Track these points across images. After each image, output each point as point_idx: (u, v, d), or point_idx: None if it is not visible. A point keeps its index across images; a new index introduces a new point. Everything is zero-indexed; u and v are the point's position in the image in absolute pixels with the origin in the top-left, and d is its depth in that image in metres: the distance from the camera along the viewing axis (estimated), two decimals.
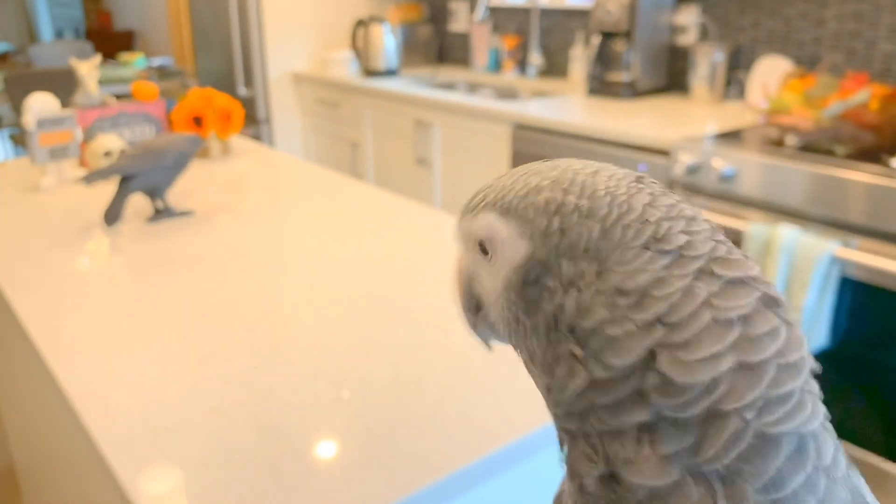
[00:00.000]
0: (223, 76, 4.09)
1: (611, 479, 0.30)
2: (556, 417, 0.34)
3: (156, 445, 0.83)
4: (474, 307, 0.42)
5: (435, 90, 3.28)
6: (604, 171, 0.34)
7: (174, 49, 6.74)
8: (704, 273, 0.29)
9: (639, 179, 0.34)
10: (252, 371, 0.98)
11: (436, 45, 4.05)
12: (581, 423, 0.31)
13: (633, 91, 2.86)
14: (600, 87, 2.94)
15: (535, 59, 3.42)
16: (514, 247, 0.34)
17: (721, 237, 0.32)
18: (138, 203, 1.65)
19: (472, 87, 3.56)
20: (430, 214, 1.64)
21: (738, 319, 0.29)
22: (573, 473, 0.32)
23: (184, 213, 1.60)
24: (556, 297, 0.31)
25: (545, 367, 0.33)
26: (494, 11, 3.66)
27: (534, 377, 0.36)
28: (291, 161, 2.23)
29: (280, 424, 0.87)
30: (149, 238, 1.49)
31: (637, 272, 0.29)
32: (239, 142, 2.30)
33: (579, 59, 3.25)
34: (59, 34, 9.33)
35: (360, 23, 3.64)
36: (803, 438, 0.29)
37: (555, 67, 3.47)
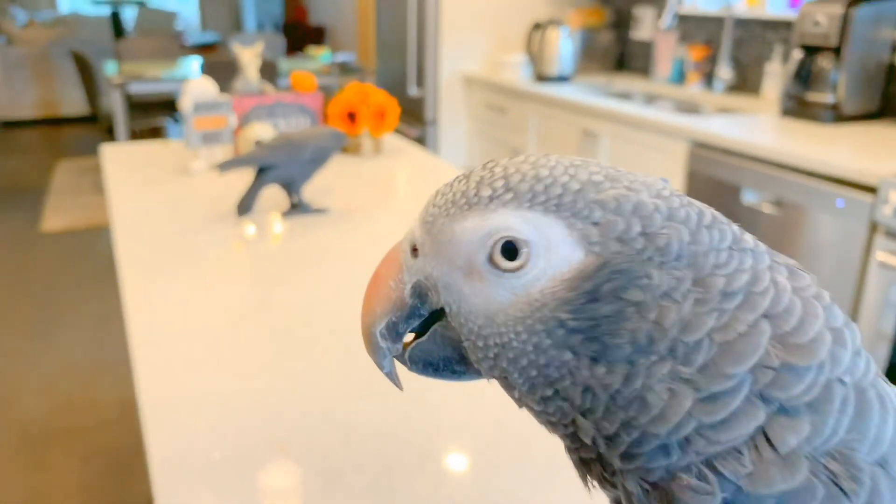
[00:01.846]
0: (398, 75, 4.11)
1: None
2: (623, 459, 0.28)
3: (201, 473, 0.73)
4: (404, 332, 0.34)
5: (607, 99, 3.06)
6: (629, 173, 0.30)
7: (359, 46, 6.96)
8: (774, 264, 0.29)
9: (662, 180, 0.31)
10: (349, 402, 0.86)
11: (615, 52, 3.81)
12: (681, 453, 0.26)
13: (836, 115, 2.49)
14: (797, 107, 2.59)
15: (724, 72, 3.10)
16: (568, 255, 0.27)
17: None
18: (276, 196, 1.60)
19: (650, 99, 3.30)
20: None
21: (814, 296, 0.29)
22: None
23: (319, 211, 1.53)
24: (649, 313, 0.26)
25: (615, 404, 0.27)
26: (683, 19, 3.36)
27: (556, 419, 0.29)
28: (443, 166, 2.12)
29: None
30: (275, 232, 1.43)
31: (737, 273, 0.27)
32: (393, 141, 2.23)
33: (775, 76, 2.90)
34: (260, 27, 10.01)
35: (537, 26, 3.49)
36: (878, 386, 0.28)
37: (745, 83, 3.13)
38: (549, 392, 0.28)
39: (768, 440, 0.25)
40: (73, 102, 7.87)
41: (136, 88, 4.82)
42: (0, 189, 5.44)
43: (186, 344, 0.99)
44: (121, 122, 5.04)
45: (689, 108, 3.09)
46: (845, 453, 0.26)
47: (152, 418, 0.81)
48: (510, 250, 0.28)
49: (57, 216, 4.69)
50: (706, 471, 0.26)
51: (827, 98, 2.50)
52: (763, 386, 0.26)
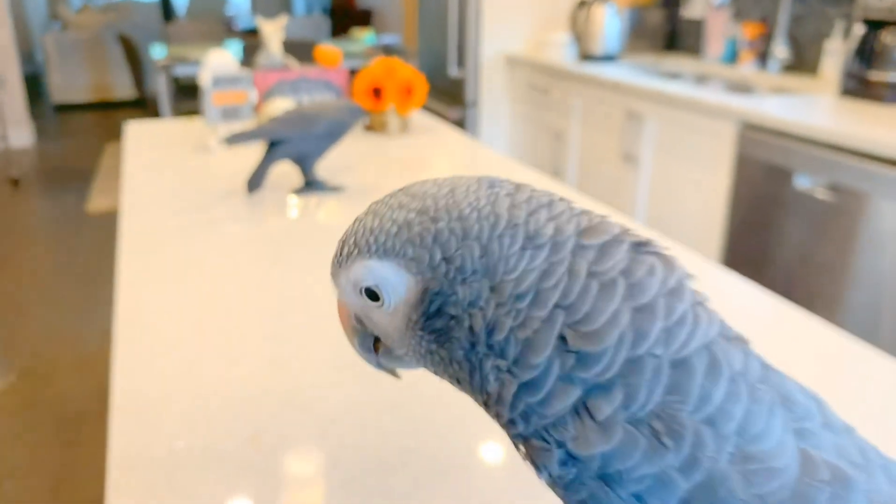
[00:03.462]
0: (439, 56, 4.01)
1: (569, 458, 0.30)
2: (505, 427, 0.33)
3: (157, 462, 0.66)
4: (371, 347, 0.41)
5: (654, 79, 2.92)
6: (458, 187, 0.33)
7: (405, 28, 6.88)
8: (578, 248, 0.30)
9: (491, 184, 0.33)
10: (335, 392, 0.78)
11: (665, 31, 3.64)
12: (526, 424, 0.31)
13: None
14: (858, 87, 2.41)
15: (780, 50, 2.92)
16: (404, 286, 0.32)
17: (578, 208, 0.33)
18: (291, 173, 1.53)
19: (700, 79, 3.14)
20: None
21: (620, 274, 0.30)
22: (540, 469, 0.32)
23: (333, 189, 1.46)
24: (464, 322, 0.31)
25: (476, 387, 0.33)
26: None
27: (468, 395, 0.35)
28: (473, 145, 2.03)
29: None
30: (283, 211, 1.36)
31: (525, 273, 0.30)
32: (422, 120, 2.14)
33: (834, 54, 2.71)
34: (309, 10, 10.01)
35: (583, 3, 3.35)
36: (712, 352, 0.30)
37: (803, 62, 2.94)
38: (450, 381, 0.35)
39: (588, 410, 0.29)
40: (124, 86, 7.99)
41: (182, 71, 4.84)
42: (53, 171, 5.55)
43: (172, 324, 0.92)
44: (166, 104, 5.07)
45: (741, 88, 2.92)
46: (670, 413, 0.28)
47: (121, 403, 0.74)
48: (371, 292, 0.33)
49: (102, 197, 4.75)
50: (545, 435, 0.31)
51: (891, 77, 2.31)
52: (569, 369, 0.29)
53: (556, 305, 0.30)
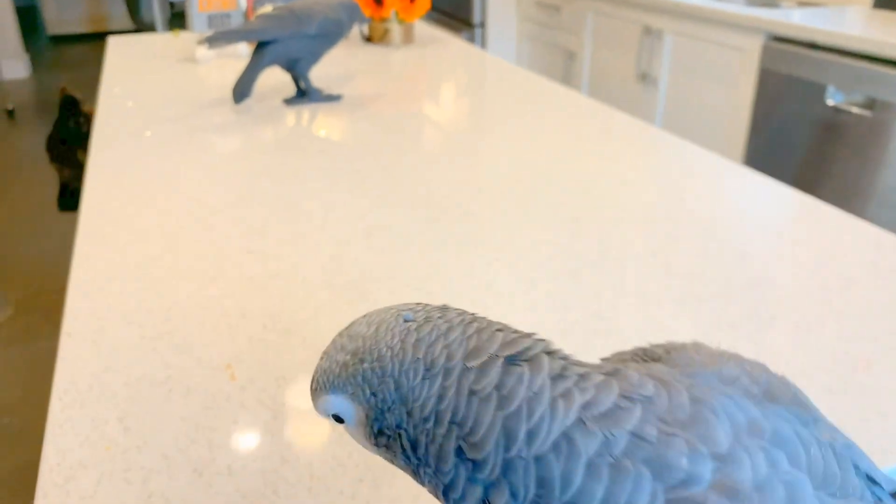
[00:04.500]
0: None
1: None
2: None
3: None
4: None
5: None
6: (382, 324, 0.37)
7: None
8: (464, 372, 0.35)
9: (405, 318, 0.37)
10: (318, 317, 0.69)
11: None
12: None
13: None
14: None
15: None
16: (353, 413, 0.37)
17: (474, 323, 0.37)
18: (285, 83, 1.42)
19: None
20: (647, 130, 1.24)
21: (494, 388, 0.34)
22: None
23: (330, 97, 1.34)
24: (397, 440, 0.36)
25: (423, 485, 0.38)
26: None
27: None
28: (481, 55, 1.89)
29: None
30: (273, 121, 1.25)
31: (426, 400, 0.35)
32: (427, 30, 2.00)
33: None
34: None
35: None
36: (570, 439, 0.33)
37: None
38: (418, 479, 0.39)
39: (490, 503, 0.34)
40: (120, 17, 7.76)
41: None
42: (48, 102, 5.40)
43: (142, 241, 0.83)
44: (161, 31, 4.89)
45: (766, 2, 2.75)
46: (544, 501, 0.33)
47: (72, 327, 0.65)
48: (337, 416, 0.37)
49: None
50: None
51: None
52: (470, 472, 0.34)
53: (451, 422, 0.34)
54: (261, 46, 1.25)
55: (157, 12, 4.80)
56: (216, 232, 0.84)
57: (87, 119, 2.46)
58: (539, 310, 0.68)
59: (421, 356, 0.36)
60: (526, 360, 0.35)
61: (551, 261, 0.77)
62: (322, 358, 0.38)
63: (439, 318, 0.37)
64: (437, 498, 0.37)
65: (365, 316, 0.38)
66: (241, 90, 1.26)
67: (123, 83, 1.48)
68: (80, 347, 0.61)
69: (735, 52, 2.27)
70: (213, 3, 1.56)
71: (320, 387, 0.38)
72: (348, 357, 0.37)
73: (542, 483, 0.33)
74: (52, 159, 2.61)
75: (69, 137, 2.53)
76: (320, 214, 0.89)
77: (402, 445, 0.37)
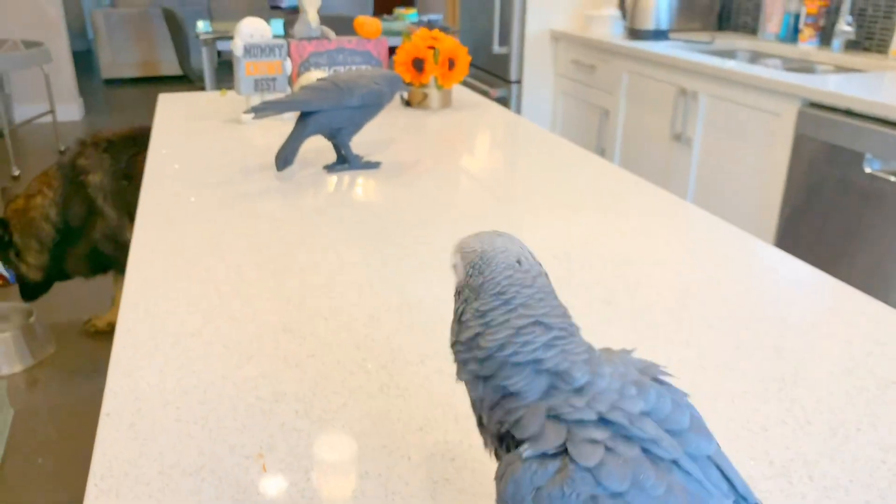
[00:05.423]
0: (482, 33, 3.90)
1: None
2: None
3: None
4: None
5: (707, 56, 2.76)
6: (505, 251, 0.48)
7: (447, 7, 6.76)
8: (511, 310, 0.44)
9: (518, 259, 0.47)
10: (353, 401, 0.70)
11: (718, 6, 3.46)
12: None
13: None
14: None
15: (844, 27, 2.73)
16: (463, 269, 0.48)
17: (546, 299, 0.46)
18: (326, 148, 1.46)
19: (755, 57, 2.97)
20: (683, 207, 1.24)
21: (514, 326, 0.44)
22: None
23: (368, 165, 1.38)
24: (463, 300, 0.47)
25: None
26: None
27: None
28: (517, 120, 1.92)
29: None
30: (314, 188, 1.28)
31: (484, 304, 0.45)
32: (465, 94, 2.04)
33: None
34: None
35: None
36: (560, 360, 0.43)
37: (869, 40, 2.75)
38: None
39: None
40: (170, 62, 8.04)
41: (225, 46, 4.82)
42: None
43: (181, 311, 0.85)
44: (209, 78, 5.05)
45: (801, 67, 2.76)
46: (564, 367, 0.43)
47: (111, 407, 0.67)
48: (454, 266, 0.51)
49: None
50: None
51: None
52: (473, 354, 0.46)
53: (483, 324, 0.45)
54: (304, 116, 1.29)
55: (205, 61, 4.98)
56: (254, 306, 0.86)
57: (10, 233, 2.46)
58: None
59: (503, 286, 0.45)
60: (541, 324, 0.44)
61: None
62: (475, 236, 0.48)
63: (529, 286, 0.46)
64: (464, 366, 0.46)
65: (503, 238, 0.48)
66: (285, 158, 1.30)
67: (171, 144, 1.53)
68: (117, 430, 0.63)
69: (770, 116, 2.28)
70: (259, 68, 1.62)
71: (459, 247, 0.48)
72: (478, 248, 0.47)
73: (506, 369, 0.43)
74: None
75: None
76: (355, 288, 0.90)
77: (465, 299, 0.46)
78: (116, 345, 0.77)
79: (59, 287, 3.13)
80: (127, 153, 2.38)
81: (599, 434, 0.39)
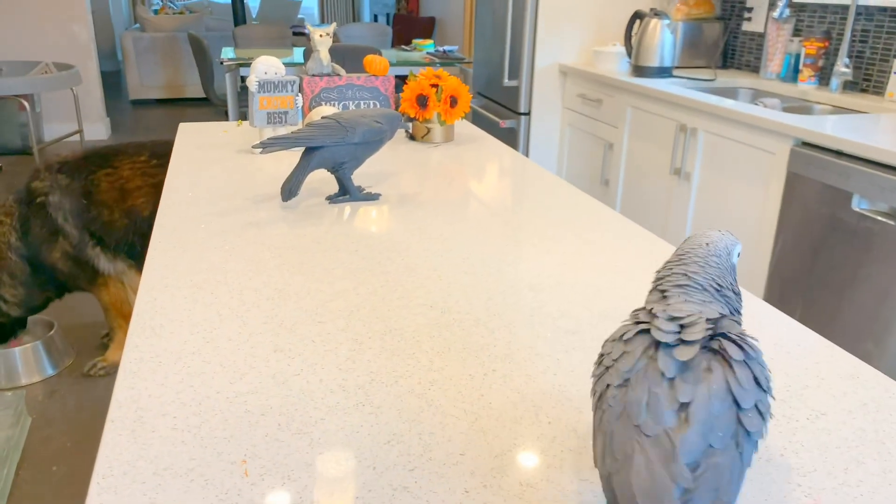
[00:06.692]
0: (494, 66, 4.02)
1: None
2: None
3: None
4: None
5: (707, 94, 2.85)
6: (706, 248, 0.66)
7: (464, 38, 6.90)
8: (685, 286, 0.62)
9: (715, 254, 0.66)
10: (335, 417, 0.79)
11: (722, 45, 3.56)
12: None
13: None
14: None
15: (842, 68, 2.81)
16: None
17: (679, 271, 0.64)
18: (331, 180, 1.56)
19: (756, 96, 3.05)
20: (654, 242, 1.32)
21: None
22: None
23: (367, 197, 1.47)
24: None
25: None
26: (798, 9, 3.09)
27: None
28: (516, 157, 2.02)
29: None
30: (315, 219, 1.38)
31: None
32: (467, 129, 2.15)
33: None
34: (374, 18, 10.15)
35: (637, 15, 3.30)
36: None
37: (866, 81, 2.83)
38: None
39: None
40: (195, 86, 8.27)
41: (247, 72, 4.99)
42: None
43: (185, 330, 0.95)
44: (232, 104, 5.22)
45: (799, 106, 2.83)
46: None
47: (117, 415, 0.77)
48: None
49: None
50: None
51: None
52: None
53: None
54: (309, 151, 1.39)
55: (228, 86, 5.15)
56: (250, 328, 0.96)
57: None
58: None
59: (697, 271, 0.62)
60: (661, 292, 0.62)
61: (570, 404, 0.85)
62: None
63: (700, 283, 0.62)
64: None
65: (707, 237, 0.65)
66: (290, 189, 1.40)
67: (187, 172, 1.64)
68: (120, 435, 0.72)
69: (765, 154, 2.36)
70: (272, 102, 1.73)
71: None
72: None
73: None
74: None
75: None
76: (344, 315, 0.99)
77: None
78: (124, 360, 0.86)
79: (78, 299, 3.23)
80: (82, 173, 2.39)
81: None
